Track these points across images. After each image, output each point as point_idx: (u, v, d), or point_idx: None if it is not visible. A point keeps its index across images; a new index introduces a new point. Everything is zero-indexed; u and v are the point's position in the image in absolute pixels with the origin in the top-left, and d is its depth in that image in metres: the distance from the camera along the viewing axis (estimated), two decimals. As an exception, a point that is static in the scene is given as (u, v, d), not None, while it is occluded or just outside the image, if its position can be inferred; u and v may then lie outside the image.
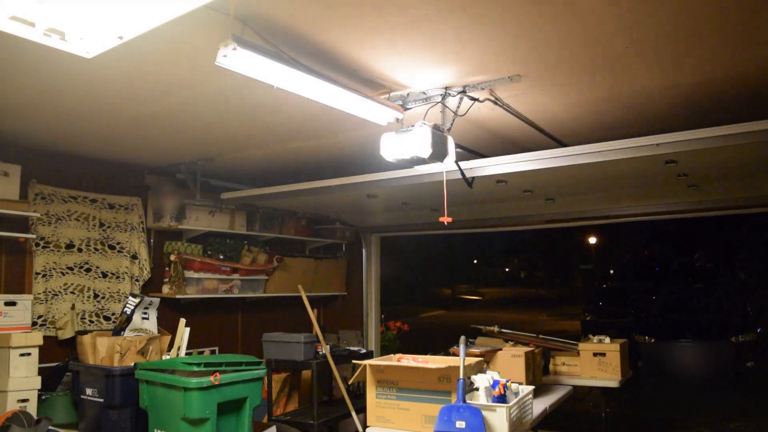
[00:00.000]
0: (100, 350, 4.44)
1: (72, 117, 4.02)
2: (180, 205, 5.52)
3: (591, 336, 5.63)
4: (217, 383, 3.94)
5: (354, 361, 4.16)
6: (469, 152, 4.63)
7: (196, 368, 3.91)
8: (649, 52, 3.04)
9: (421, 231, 7.06)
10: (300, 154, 5.13)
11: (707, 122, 4.19)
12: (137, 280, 5.45)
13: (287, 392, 5.31)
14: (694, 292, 12.70)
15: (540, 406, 4.13)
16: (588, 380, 5.29)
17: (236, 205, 5.95)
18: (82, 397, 4.46)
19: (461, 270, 42.17)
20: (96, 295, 5.14)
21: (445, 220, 3.88)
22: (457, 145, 4.24)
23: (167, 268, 5.61)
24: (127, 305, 4.73)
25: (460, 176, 4.10)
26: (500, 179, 4.42)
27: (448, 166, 3.89)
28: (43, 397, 4.46)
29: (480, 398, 3.35)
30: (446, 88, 3.51)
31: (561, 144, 4.70)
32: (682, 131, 3.55)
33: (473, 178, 4.19)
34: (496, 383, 3.39)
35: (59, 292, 4.90)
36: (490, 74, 3.32)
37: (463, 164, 4.11)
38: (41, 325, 4.75)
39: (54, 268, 4.88)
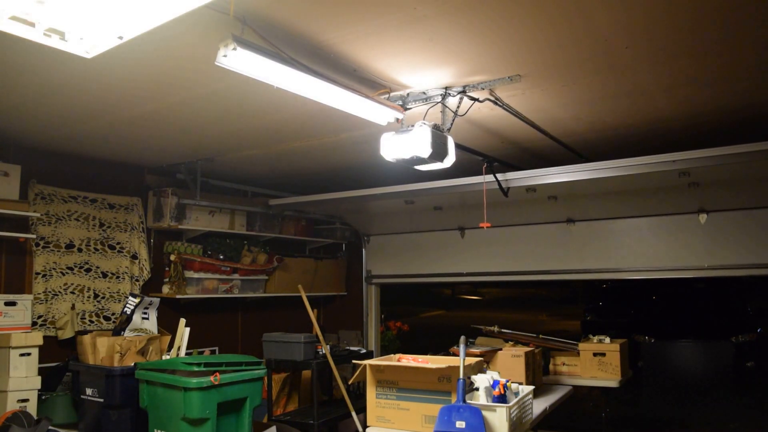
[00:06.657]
0: (100, 350, 4.44)
1: (72, 117, 4.02)
2: (180, 205, 5.53)
3: (591, 336, 5.63)
4: (217, 383, 3.94)
5: (354, 361, 4.16)
6: (506, 165, 4.98)
7: (196, 368, 3.91)
8: (649, 53, 3.04)
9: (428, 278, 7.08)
10: (300, 154, 5.13)
11: (707, 123, 4.21)
12: (137, 280, 5.44)
13: (287, 392, 5.30)
14: (694, 292, 12.67)
15: (540, 406, 4.13)
16: (588, 380, 5.29)
17: (236, 205, 5.94)
18: (82, 397, 4.46)
19: (461, 270, 41.97)
20: (96, 295, 5.14)
21: (485, 225, 4.38)
22: (479, 153, 4.61)
23: (167, 268, 5.60)
24: (127, 305, 4.73)
25: (497, 186, 4.65)
26: (530, 188, 4.92)
27: (487, 177, 4.52)
28: (43, 397, 4.46)
29: (480, 398, 3.35)
30: (446, 88, 3.51)
31: (560, 143, 4.71)
32: (697, 149, 3.97)
33: (508, 188, 4.74)
34: (496, 383, 3.39)
35: (59, 292, 4.90)
36: (490, 74, 3.32)
37: (500, 176, 4.68)
38: (41, 325, 4.75)
39: (54, 268, 4.88)
